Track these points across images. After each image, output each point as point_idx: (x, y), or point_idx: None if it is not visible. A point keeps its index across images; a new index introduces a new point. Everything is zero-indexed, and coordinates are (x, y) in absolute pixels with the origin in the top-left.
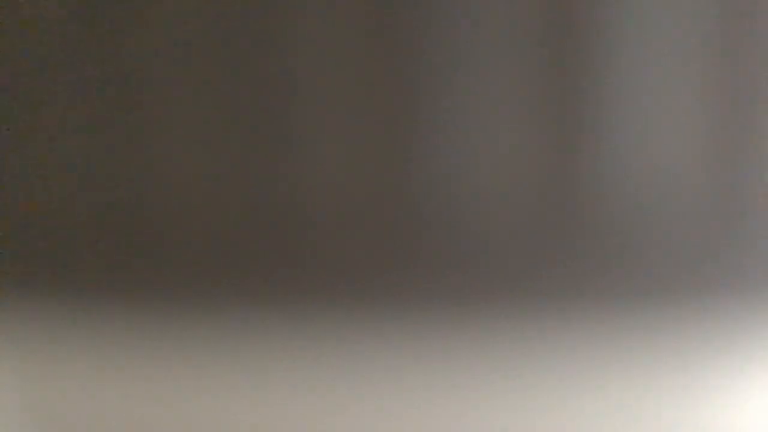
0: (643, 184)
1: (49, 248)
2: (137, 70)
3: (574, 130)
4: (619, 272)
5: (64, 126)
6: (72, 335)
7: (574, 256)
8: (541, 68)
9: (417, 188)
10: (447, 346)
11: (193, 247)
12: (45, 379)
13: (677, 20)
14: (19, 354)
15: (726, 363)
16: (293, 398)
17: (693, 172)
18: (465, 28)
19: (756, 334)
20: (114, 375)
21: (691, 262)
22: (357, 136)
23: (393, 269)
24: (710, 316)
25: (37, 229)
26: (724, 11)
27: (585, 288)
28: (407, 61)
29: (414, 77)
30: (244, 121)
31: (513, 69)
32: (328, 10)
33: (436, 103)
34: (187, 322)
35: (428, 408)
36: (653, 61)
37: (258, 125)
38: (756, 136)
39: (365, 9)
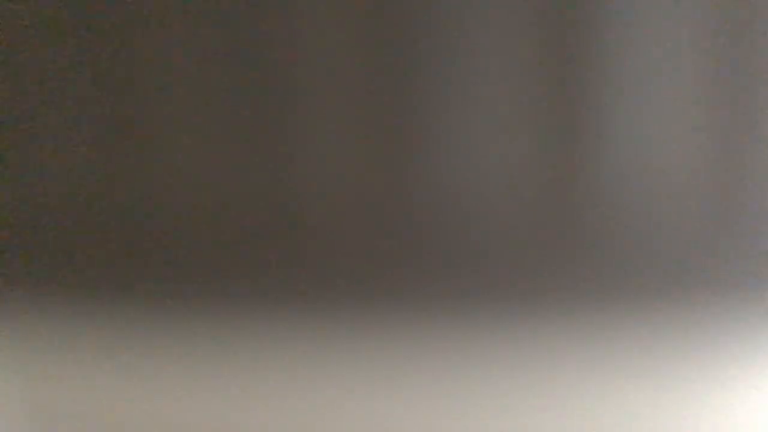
0: (643, 185)
1: (49, 248)
2: (138, 72)
3: (575, 131)
4: (619, 272)
5: (66, 128)
6: (72, 335)
7: (574, 257)
8: (541, 69)
9: (417, 189)
10: (447, 346)
11: (193, 248)
12: (45, 378)
13: (678, 21)
14: (19, 354)
15: (726, 362)
16: (293, 398)
17: (693, 172)
18: (466, 30)
19: (756, 333)
20: (114, 374)
21: (691, 262)
22: (358, 138)
23: (393, 270)
24: (710, 316)
25: (38, 229)
26: (724, 11)
27: (585, 288)
28: (408, 63)
29: (415, 78)
30: (245, 123)
31: (513, 70)
32: (328, 12)
33: (436, 105)
34: (188, 321)
35: (428, 408)
36: (654, 63)
37: (259, 128)
38: (756, 136)
39: (366, 11)
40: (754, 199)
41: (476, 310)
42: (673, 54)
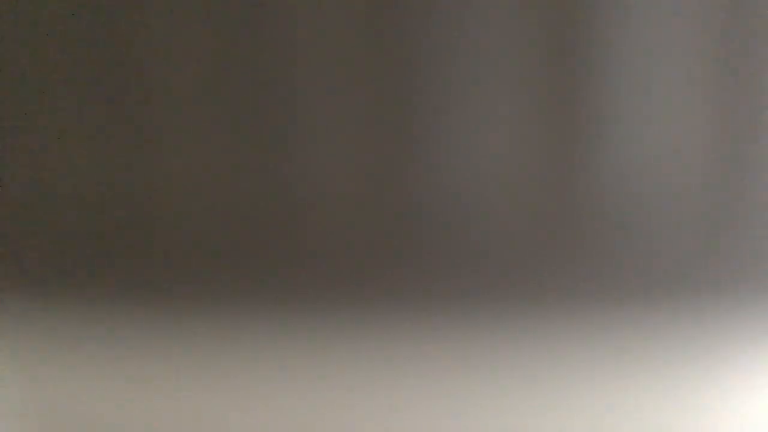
0: (643, 184)
1: (50, 248)
2: (138, 70)
3: (574, 130)
4: (619, 272)
5: (66, 126)
6: (72, 335)
7: (574, 257)
8: (541, 69)
9: (417, 188)
10: (447, 346)
11: (194, 247)
12: (45, 379)
13: (678, 19)
14: (19, 354)
15: (727, 363)
16: (293, 398)
17: (693, 173)
18: (466, 30)
19: (755, 334)
20: (114, 375)
21: (691, 262)
22: (358, 138)
23: (393, 270)
24: (710, 316)
25: (38, 230)
26: (724, 11)
27: (585, 288)
28: (407, 61)
29: (414, 77)
30: (245, 123)
31: (513, 70)
32: (329, 11)
33: (436, 103)
34: (188, 321)
35: (428, 408)
36: (653, 61)
37: (259, 125)
38: (756, 136)
39: (365, 9)
40: (755, 199)
41: (476, 310)
42: (673, 54)
